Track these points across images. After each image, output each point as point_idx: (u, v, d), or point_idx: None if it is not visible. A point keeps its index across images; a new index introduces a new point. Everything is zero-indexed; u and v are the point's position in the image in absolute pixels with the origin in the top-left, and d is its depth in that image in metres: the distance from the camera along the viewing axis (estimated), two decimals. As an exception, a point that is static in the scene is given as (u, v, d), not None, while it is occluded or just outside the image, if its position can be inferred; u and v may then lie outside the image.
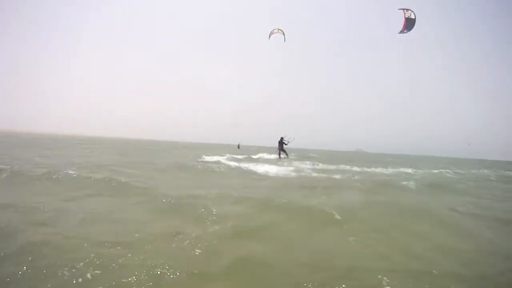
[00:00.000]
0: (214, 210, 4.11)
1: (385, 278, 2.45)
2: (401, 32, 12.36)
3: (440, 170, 16.22)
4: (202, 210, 4.12)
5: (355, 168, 14.05)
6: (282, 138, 19.54)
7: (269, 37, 20.73)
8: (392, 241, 3.47)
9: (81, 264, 2.36)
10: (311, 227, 3.82)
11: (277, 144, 19.86)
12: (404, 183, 8.62)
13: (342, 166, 14.73)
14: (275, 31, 20.65)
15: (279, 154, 19.83)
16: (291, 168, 12.21)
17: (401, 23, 12.16)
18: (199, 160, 14.90)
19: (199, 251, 2.80)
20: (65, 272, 2.25)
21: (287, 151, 20.31)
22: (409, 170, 14.42)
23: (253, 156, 20.05)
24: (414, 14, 12.02)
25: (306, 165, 14.21)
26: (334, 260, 2.85)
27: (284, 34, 20.34)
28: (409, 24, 12.10)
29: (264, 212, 4.39)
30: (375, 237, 3.52)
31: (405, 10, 12.07)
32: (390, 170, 14.21)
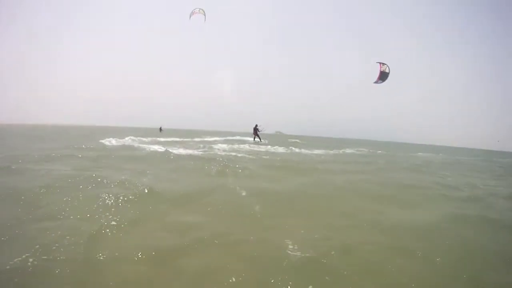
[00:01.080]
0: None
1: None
2: (376, 82, 13.81)
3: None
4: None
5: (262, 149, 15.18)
6: (256, 125, 22.95)
7: (190, 17, 20.14)
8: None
9: None
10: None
11: (252, 130, 23.34)
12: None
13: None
14: (196, 11, 20.11)
15: (254, 138, 23.53)
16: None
17: (376, 73, 13.65)
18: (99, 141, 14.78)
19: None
20: None
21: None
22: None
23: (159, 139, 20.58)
24: (389, 69, 13.51)
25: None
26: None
27: (205, 14, 20.01)
28: (383, 76, 13.58)
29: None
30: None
31: (381, 64, 13.48)
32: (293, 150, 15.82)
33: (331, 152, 17.24)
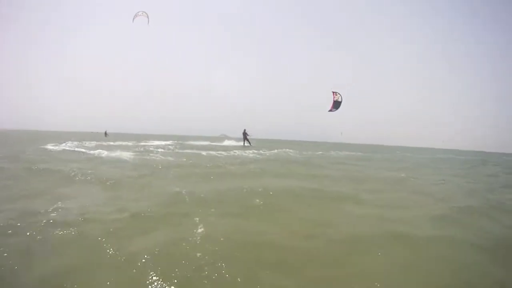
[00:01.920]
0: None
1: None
2: (330, 110, 14.98)
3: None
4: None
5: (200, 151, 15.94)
6: (245, 130, 24.58)
7: (133, 20, 20.16)
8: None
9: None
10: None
11: (241, 135, 24.99)
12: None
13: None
14: (139, 13, 20.22)
15: (244, 143, 24.92)
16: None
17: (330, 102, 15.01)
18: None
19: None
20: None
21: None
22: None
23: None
24: (342, 98, 14.78)
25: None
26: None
27: (148, 17, 20.17)
28: (337, 105, 14.91)
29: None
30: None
31: (335, 94, 14.69)
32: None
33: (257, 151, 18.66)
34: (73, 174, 7.10)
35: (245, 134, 24.83)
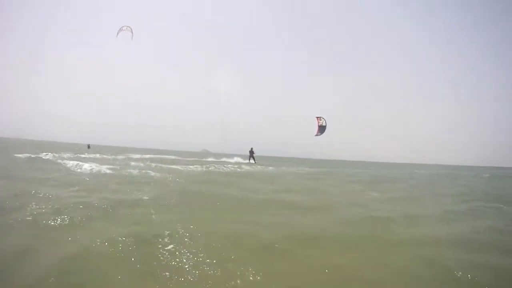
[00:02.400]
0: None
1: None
2: (316, 135, 15.90)
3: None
4: None
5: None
6: (252, 148, 27.57)
7: (117, 34, 20.88)
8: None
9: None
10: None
11: (248, 153, 27.68)
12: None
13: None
14: (124, 28, 20.98)
15: (249, 160, 27.64)
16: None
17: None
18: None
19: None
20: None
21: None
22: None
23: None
24: (325, 122, 15.75)
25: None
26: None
27: (132, 32, 20.93)
28: (322, 129, 15.85)
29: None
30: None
31: (319, 119, 15.64)
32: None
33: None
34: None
35: (251, 152, 27.64)
